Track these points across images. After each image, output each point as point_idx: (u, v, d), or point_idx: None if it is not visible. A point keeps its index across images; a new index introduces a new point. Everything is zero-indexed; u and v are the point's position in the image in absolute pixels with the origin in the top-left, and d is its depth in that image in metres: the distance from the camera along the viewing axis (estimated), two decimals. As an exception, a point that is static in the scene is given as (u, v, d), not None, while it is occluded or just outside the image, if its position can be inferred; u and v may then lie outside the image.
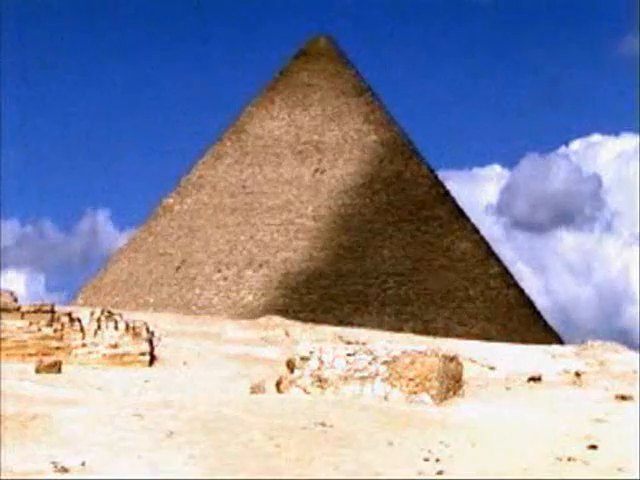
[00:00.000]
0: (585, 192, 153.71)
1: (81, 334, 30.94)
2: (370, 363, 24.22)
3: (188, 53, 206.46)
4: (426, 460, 16.90)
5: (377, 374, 24.10)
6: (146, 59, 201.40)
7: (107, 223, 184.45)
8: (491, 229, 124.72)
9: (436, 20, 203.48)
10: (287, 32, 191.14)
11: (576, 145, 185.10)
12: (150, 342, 31.90)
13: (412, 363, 24.05)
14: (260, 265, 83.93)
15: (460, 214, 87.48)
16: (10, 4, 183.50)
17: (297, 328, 46.75)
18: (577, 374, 33.54)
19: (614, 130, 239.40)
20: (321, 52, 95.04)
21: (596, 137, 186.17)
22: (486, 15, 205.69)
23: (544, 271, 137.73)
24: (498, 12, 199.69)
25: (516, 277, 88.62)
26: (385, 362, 24.13)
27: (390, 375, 24.02)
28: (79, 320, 31.52)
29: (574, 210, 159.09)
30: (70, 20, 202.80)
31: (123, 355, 30.72)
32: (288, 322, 49.90)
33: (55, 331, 30.72)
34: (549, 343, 64.02)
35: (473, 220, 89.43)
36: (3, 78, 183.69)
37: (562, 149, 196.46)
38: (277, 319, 50.31)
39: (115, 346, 30.78)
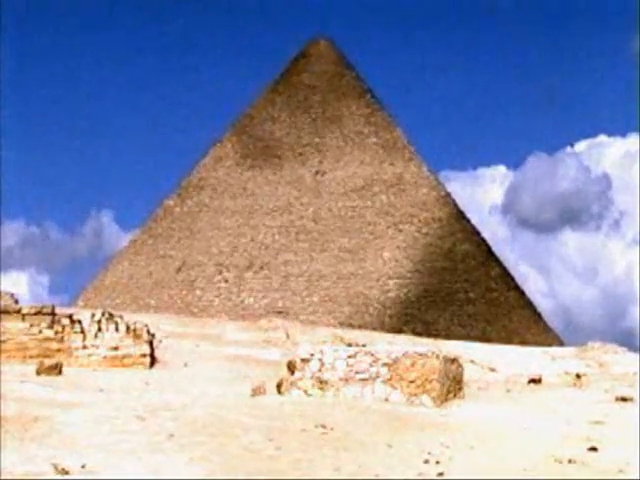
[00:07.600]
0: (592, 192, 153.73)
1: (82, 336, 30.97)
2: (371, 365, 24.23)
3: (189, 55, 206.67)
4: (426, 462, 16.91)
5: (378, 376, 24.11)
6: (147, 61, 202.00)
7: (111, 224, 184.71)
8: (495, 230, 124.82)
9: (437, 20, 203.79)
10: (288, 34, 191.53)
11: (581, 146, 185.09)
12: (151, 344, 31.94)
13: (413, 365, 24.06)
14: (261, 267, 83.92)
15: (461, 216, 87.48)
16: (11, 4, 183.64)
17: (298, 330, 46.83)
18: (577, 376, 33.59)
19: (620, 131, 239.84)
20: (322, 54, 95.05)
21: (602, 138, 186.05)
22: (491, 14, 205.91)
23: (548, 272, 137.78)
24: (503, 11, 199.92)
25: (520, 279, 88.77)
26: (386, 364, 24.14)
27: (391, 377, 24.03)
28: (80, 322, 31.56)
29: (580, 210, 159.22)
30: (71, 20, 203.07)
31: (124, 357, 30.75)
32: (289, 324, 49.97)
33: (56, 333, 30.76)
34: (549, 345, 64.17)
35: (477, 221, 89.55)
36: (6, 79, 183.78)
37: (567, 150, 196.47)
38: (278, 321, 50.38)
39: (116, 348, 30.81)
